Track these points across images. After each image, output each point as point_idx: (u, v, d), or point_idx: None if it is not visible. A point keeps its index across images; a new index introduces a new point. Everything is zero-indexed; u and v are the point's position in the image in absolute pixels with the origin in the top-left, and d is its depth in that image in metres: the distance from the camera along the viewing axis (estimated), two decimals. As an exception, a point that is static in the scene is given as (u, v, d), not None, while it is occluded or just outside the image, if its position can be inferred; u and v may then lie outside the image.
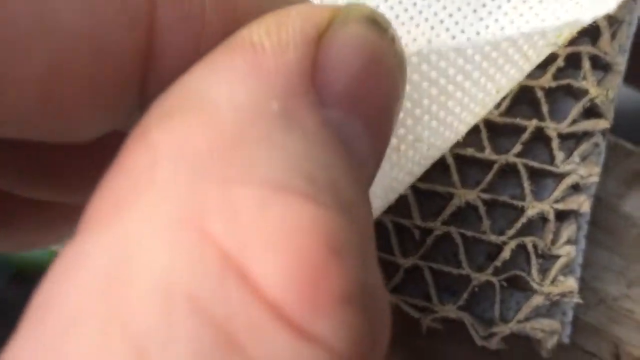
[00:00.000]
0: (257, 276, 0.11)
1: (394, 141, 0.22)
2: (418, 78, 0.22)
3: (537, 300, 0.27)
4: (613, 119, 0.27)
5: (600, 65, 0.29)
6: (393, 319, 0.31)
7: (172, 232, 0.11)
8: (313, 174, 0.12)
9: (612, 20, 0.28)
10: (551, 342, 0.26)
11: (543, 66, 0.29)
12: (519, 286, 0.28)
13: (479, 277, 0.27)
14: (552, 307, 0.29)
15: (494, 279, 0.27)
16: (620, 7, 0.28)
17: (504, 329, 0.27)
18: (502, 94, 0.25)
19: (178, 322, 0.10)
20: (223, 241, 0.11)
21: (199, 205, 0.11)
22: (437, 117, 0.22)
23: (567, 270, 0.28)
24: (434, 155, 0.24)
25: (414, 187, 0.29)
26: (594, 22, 0.28)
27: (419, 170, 0.24)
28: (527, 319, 0.27)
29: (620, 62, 0.28)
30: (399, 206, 0.30)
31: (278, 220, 0.11)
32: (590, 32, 0.28)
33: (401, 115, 0.22)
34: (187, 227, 0.11)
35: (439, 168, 0.30)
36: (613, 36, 0.28)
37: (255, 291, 0.11)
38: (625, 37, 0.29)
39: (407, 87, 0.20)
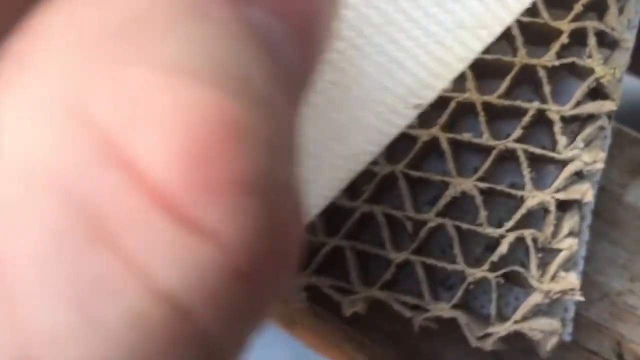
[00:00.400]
0: (137, 157, 0.09)
1: (334, 75, 0.19)
2: None
3: (535, 298, 0.25)
4: (617, 107, 0.25)
5: (607, 43, 0.26)
6: (385, 316, 0.29)
7: (44, 111, 0.10)
8: (223, 64, 0.10)
9: (621, -7, 0.26)
10: (550, 343, 0.25)
11: (546, 43, 0.26)
12: (517, 282, 0.27)
13: (475, 273, 0.25)
14: (553, 303, 0.27)
15: (491, 275, 0.25)
16: (630, -21, 0.26)
17: (499, 330, 0.25)
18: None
19: (35, 202, 0.09)
20: (102, 121, 0.10)
21: (82, 85, 0.10)
22: (386, 52, 0.20)
23: (568, 265, 0.26)
24: (384, 99, 0.21)
25: (406, 176, 0.27)
26: (601, -5, 0.26)
27: (366, 115, 0.21)
28: (524, 318, 0.25)
29: (628, 39, 0.26)
30: (391, 196, 0.28)
31: (173, 101, 0.10)
32: (597, 7, 0.26)
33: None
34: (62, 107, 0.10)
35: (433, 155, 0.28)
36: (620, 11, 0.26)
37: (133, 173, 0.09)
38: (634, 12, 0.27)
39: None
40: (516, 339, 0.27)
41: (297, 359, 0.43)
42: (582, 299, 0.25)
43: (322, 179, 0.22)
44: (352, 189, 0.28)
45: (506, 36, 0.27)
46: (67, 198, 0.09)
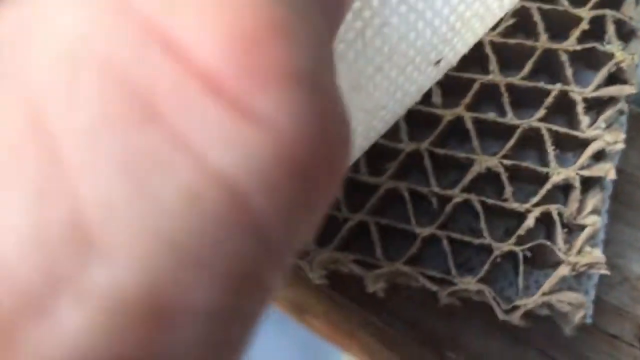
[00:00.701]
0: (186, 43, 0.09)
1: (358, 24, 0.20)
2: None
3: (562, 270, 0.25)
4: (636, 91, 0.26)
5: (625, 33, 0.28)
6: (403, 300, 0.29)
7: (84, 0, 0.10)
8: None
9: (636, -15, 0.27)
10: (578, 316, 0.25)
11: (566, 30, 0.28)
12: (541, 262, 0.27)
13: (502, 247, 0.26)
14: (573, 285, 0.27)
15: (517, 249, 0.25)
16: (644, -27, 0.27)
17: (527, 302, 0.25)
18: None
19: (84, 85, 0.09)
20: (143, 8, 0.09)
21: None
22: (407, 1, 0.20)
23: (593, 241, 0.26)
24: (405, 51, 0.21)
25: (431, 153, 0.27)
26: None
27: (389, 67, 0.21)
28: (552, 291, 0.25)
29: (645, 29, 0.27)
30: (416, 173, 0.29)
31: None
32: (613, -1, 0.27)
33: None
34: None
35: (457, 134, 0.29)
36: (637, 2, 0.27)
37: (182, 59, 0.09)
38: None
39: None
40: (538, 320, 0.27)
41: (306, 348, 0.42)
42: (607, 272, 0.25)
43: None
44: (376, 166, 0.29)
45: (528, 22, 0.28)
46: (115, 78, 0.09)
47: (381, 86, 0.22)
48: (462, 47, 0.22)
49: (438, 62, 0.22)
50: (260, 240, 0.10)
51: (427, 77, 0.23)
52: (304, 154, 0.10)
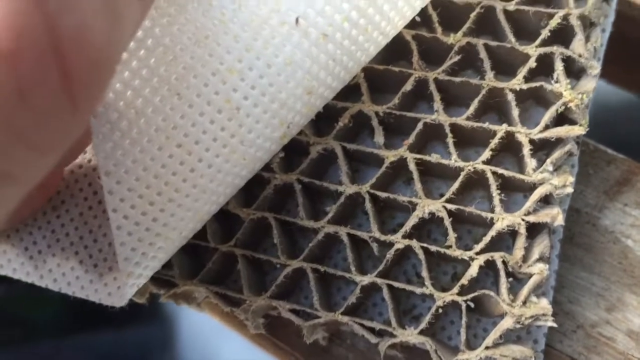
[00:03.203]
0: None
1: None
2: None
3: (507, 322, 0.24)
4: (592, 123, 0.25)
5: (574, 71, 0.26)
6: (351, 344, 0.27)
7: None
8: None
9: (586, 21, 0.26)
10: (524, 372, 0.23)
11: (514, 67, 0.26)
12: (486, 312, 0.25)
13: (444, 297, 0.24)
14: (522, 335, 0.26)
15: (460, 299, 0.24)
16: (595, 9, 0.26)
17: (470, 356, 0.24)
18: None
19: None
20: None
21: None
22: None
23: (539, 291, 0.25)
24: None
25: (372, 196, 0.26)
26: (567, 22, 0.26)
27: None
28: (496, 345, 0.24)
29: (595, 67, 0.26)
30: (356, 218, 0.27)
31: None
32: (563, 35, 0.26)
33: None
34: None
35: (401, 178, 0.28)
36: (587, 39, 0.26)
37: None
38: (599, 43, 0.27)
39: None
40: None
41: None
42: (554, 324, 0.24)
43: None
44: (316, 209, 0.27)
45: (474, 59, 0.27)
46: None
47: None
48: None
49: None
50: None
51: None
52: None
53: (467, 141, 0.27)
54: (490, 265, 0.25)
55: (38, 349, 0.50)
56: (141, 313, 0.53)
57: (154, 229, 0.22)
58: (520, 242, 0.24)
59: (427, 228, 0.27)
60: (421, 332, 0.24)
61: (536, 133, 0.25)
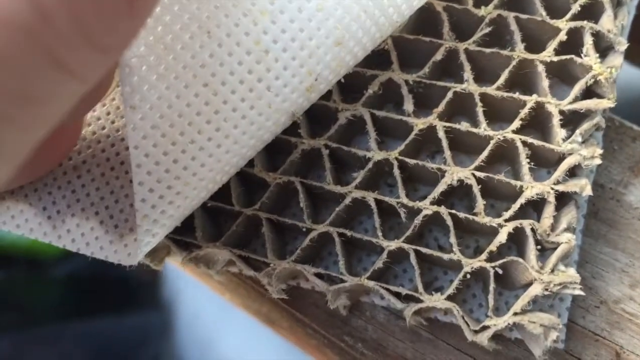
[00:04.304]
0: None
1: None
2: None
3: (535, 289, 0.23)
4: (618, 99, 0.25)
5: (603, 46, 0.27)
6: (370, 316, 0.27)
7: None
8: None
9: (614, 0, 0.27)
10: (551, 339, 0.23)
11: (544, 41, 0.27)
12: (512, 281, 0.25)
13: (472, 263, 0.24)
14: (545, 308, 0.26)
15: (488, 266, 0.24)
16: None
17: (498, 322, 0.23)
18: None
19: None
20: None
21: None
22: None
23: (567, 260, 0.25)
24: None
25: (400, 162, 0.26)
26: (597, -1, 0.26)
27: None
28: (524, 311, 0.24)
29: (623, 43, 0.26)
30: (384, 184, 0.27)
31: None
32: (592, 12, 0.27)
33: None
34: None
35: (425, 150, 0.28)
36: (615, 16, 0.27)
37: None
38: (626, 22, 0.27)
39: None
40: (509, 342, 0.25)
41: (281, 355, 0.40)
42: (582, 293, 0.24)
43: None
44: (342, 177, 0.27)
45: (504, 31, 0.27)
46: None
47: None
48: None
49: None
50: (39, 10, 0.12)
51: None
52: None
53: (495, 114, 0.27)
54: (515, 236, 0.25)
55: (37, 334, 0.49)
56: (140, 299, 0.52)
57: (174, 171, 0.21)
58: (549, 210, 0.24)
59: (450, 201, 0.27)
60: (447, 299, 0.24)
61: (566, 104, 0.25)
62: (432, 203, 0.25)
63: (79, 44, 0.13)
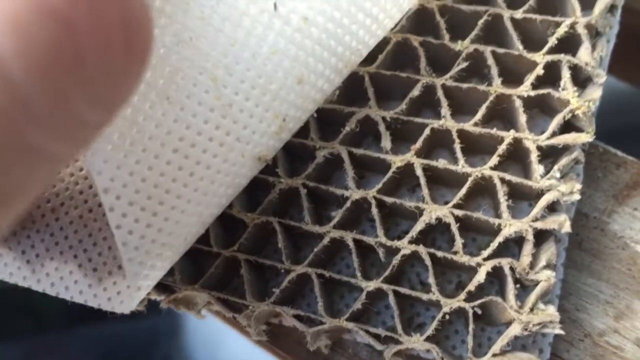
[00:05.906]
0: None
1: None
2: None
3: (514, 329, 0.23)
4: (600, 125, 0.25)
5: (581, 79, 0.26)
6: (353, 353, 0.27)
7: None
8: None
9: (592, 30, 0.26)
10: (531, 380, 0.23)
11: (521, 75, 0.26)
12: (492, 319, 0.25)
13: (451, 303, 0.24)
14: (527, 344, 0.25)
15: (467, 306, 0.24)
16: (602, 18, 0.26)
17: (478, 364, 0.23)
18: None
19: None
20: None
21: None
22: None
23: (546, 298, 0.24)
24: None
25: (378, 202, 0.26)
26: (574, 31, 0.26)
27: None
28: (503, 352, 0.23)
29: (601, 75, 0.26)
30: (360, 223, 0.27)
31: None
32: (570, 44, 0.26)
33: None
34: None
35: (405, 185, 0.27)
36: (593, 48, 0.26)
37: None
38: (605, 53, 0.27)
39: None
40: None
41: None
42: (562, 332, 0.23)
43: None
44: (320, 215, 0.27)
45: (481, 66, 0.27)
46: None
47: None
48: None
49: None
50: (9, 88, 0.11)
51: None
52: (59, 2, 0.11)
53: (473, 148, 0.27)
54: (496, 273, 0.25)
55: (45, 340, 0.49)
56: (149, 302, 0.53)
57: (160, 240, 0.22)
58: (528, 248, 0.24)
59: (432, 236, 0.27)
60: (427, 340, 0.24)
61: (544, 140, 0.25)
62: (410, 242, 0.25)
63: (61, 127, 0.12)
